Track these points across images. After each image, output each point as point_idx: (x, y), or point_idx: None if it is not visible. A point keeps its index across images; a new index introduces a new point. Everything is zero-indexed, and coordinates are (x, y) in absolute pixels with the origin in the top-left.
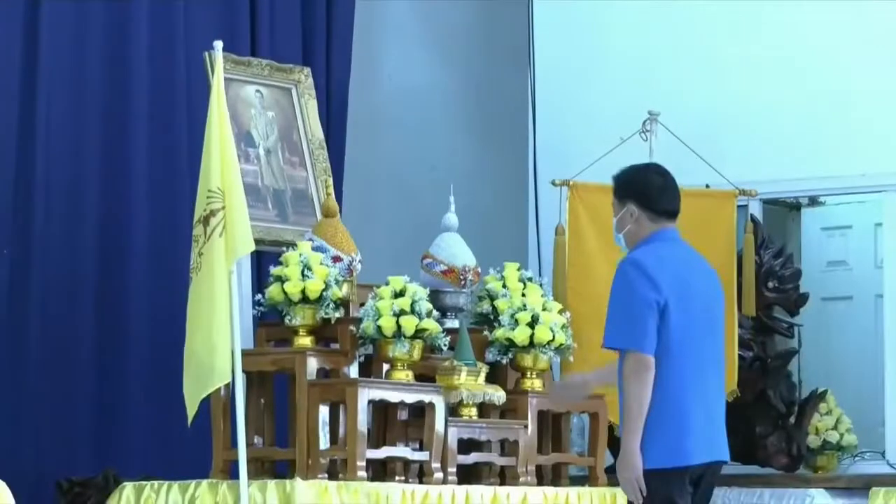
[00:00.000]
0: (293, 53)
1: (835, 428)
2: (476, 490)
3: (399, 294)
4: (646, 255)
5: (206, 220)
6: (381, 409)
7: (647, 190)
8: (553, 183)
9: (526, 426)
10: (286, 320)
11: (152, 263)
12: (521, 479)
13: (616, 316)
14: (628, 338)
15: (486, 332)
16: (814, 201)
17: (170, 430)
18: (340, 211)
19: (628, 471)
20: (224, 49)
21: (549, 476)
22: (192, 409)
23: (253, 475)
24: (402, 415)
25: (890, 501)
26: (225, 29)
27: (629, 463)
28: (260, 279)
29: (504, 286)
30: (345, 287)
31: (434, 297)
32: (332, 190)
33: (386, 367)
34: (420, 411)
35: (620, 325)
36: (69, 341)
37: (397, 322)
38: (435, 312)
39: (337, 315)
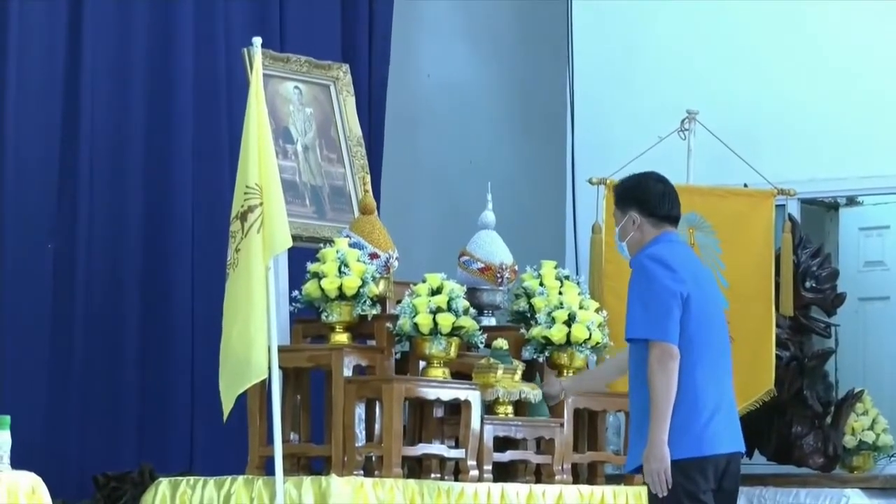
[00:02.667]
0: (333, 50)
1: (871, 428)
2: (511, 488)
3: (436, 291)
4: (662, 250)
5: (243, 216)
6: (417, 407)
7: (648, 197)
8: (590, 181)
9: (562, 424)
10: (323, 317)
11: (195, 258)
12: (556, 478)
13: (638, 307)
14: (653, 328)
15: (522, 331)
16: (852, 201)
17: (212, 425)
18: (379, 208)
19: (657, 462)
20: (264, 46)
21: (585, 474)
22: (227, 405)
23: (289, 471)
24: (438, 412)
25: None
26: (264, 25)
27: (657, 454)
28: (292, 275)
29: (541, 284)
30: (381, 284)
31: (471, 294)
32: (369, 187)
33: (422, 364)
34: (456, 409)
35: (644, 315)
36: (112, 336)
37: (434, 319)
38: (472, 310)
39: (373, 312)
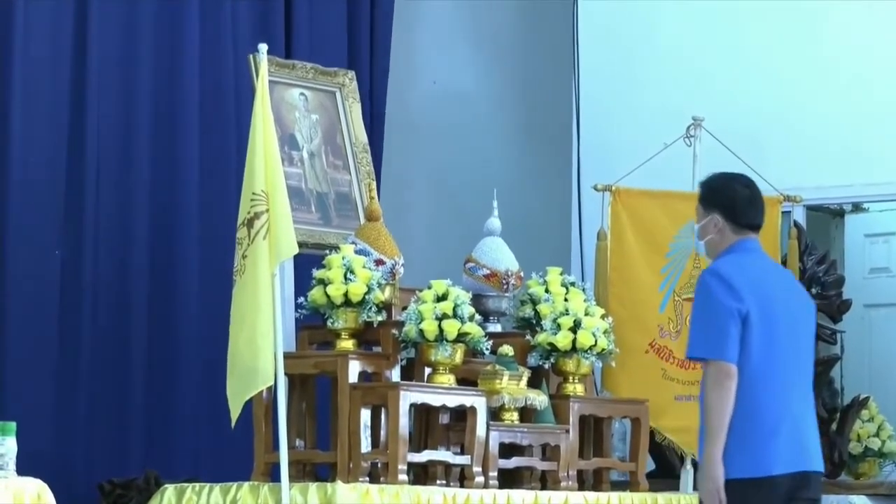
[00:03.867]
0: (339, 57)
1: (876, 434)
2: (517, 494)
3: (441, 298)
4: (726, 265)
5: (249, 223)
6: (423, 413)
7: (735, 202)
8: (595, 188)
9: (567, 431)
10: (328, 323)
11: (202, 264)
12: (562, 484)
13: (698, 326)
14: (710, 347)
15: (528, 337)
16: (857, 208)
17: (218, 431)
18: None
19: (710, 481)
20: (270, 52)
21: (591, 481)
22: (235, 411)
23: (294, 478)
24: (444, 419)
25: None
26: (270, 32)
27: (711, 473)
28: (298, 282)
29: (546, 291)
30: (387, 290)
31: (476, 301)
32: (375, 193)
33: (428, 370)
34: (462, 415)
35: (702, 334)
36: (118, 342)
37: (440, 326)
38: (477, 316)
39: (379, 318)
